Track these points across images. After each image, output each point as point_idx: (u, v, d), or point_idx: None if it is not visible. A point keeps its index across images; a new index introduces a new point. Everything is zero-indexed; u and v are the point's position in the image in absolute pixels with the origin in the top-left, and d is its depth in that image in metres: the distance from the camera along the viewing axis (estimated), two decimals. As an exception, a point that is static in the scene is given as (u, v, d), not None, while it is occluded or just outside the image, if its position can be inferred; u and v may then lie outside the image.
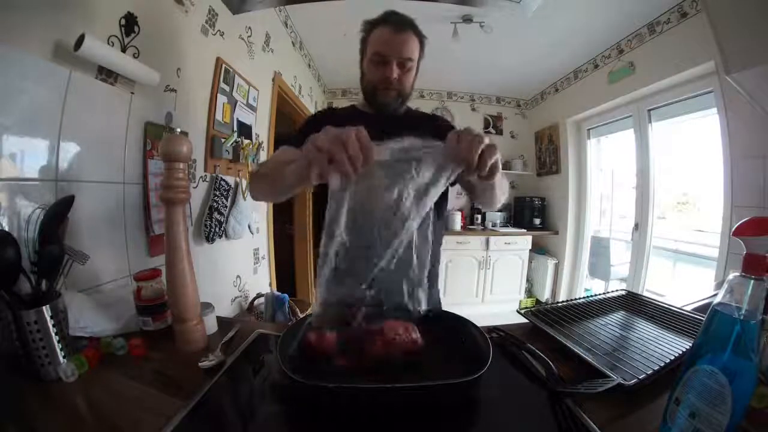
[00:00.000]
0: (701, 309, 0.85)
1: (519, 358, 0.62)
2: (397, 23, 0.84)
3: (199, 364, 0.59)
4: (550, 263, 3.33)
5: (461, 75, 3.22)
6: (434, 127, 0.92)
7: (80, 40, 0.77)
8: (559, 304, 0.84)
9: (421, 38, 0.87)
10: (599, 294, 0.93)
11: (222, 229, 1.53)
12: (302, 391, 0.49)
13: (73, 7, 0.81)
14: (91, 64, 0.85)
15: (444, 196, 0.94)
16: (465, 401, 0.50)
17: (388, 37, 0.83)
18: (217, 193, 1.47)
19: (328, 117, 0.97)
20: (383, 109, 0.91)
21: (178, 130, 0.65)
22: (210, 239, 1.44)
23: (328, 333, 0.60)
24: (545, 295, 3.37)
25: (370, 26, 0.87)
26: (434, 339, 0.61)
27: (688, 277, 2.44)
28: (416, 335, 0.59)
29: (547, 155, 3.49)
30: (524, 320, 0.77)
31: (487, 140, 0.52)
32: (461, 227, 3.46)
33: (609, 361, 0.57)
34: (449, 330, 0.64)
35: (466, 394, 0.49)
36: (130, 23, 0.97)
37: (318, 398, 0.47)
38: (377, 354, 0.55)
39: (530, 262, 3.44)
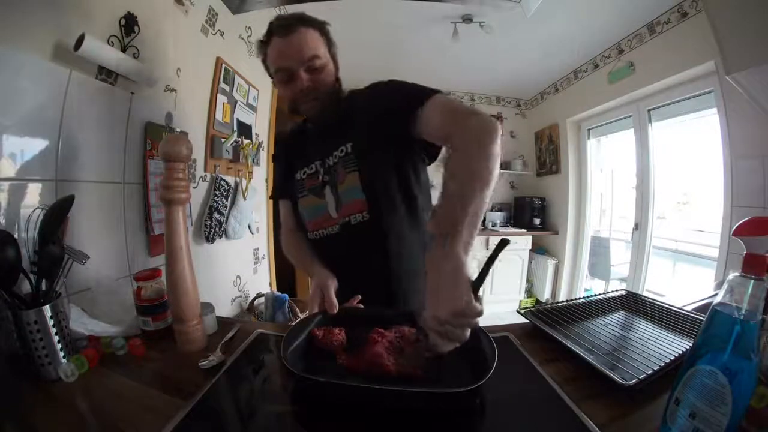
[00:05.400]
0: (701, 309, 0.85)
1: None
2: (282, 27, 0.73)
3: (199, 364, 0.59)
4: (550, 263, 3.32)
5: (461, 75, 3.22)
6: (374, 105, 0.77)
7: (80, 40, 0.77)
8: (559, 304, 0.83)
9: (320, 26, 0.76)
10: (599, 294, 0.93)
11: (222, 229, 1.53)
12: (302, 391, 0.49)
13: (73, 7, 0.81)
14: (91, 64, 0.85)
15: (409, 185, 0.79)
16: (465, 401, 0.49)
17: (281, 47, 0.73)
18: (217, 193, 1.47)
19: (281, 147, 0.98)
20: (319, 119, 0.81)
21: (178, 130, 0.66)
22: (210, 239, 1.44)
23: (337, 330, 0.61)
24: (545, 295, 3.37)
25: (262, 45, 0.77)
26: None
27: (688, 277, 2.44)
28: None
29: (547, 155, 3.49)
30: (524, 320, 0.77)
31: (450, 334, 0.51)
32: (461, 227, 3.46)
33: (609, 361, 0.57)
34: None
35: (467, 394, 0.49)
36: (130, 23, 0.97)
37: (318, 398, 0.47)
38: (378, 354, 0.55)
39: (530, 262, 3.43)
